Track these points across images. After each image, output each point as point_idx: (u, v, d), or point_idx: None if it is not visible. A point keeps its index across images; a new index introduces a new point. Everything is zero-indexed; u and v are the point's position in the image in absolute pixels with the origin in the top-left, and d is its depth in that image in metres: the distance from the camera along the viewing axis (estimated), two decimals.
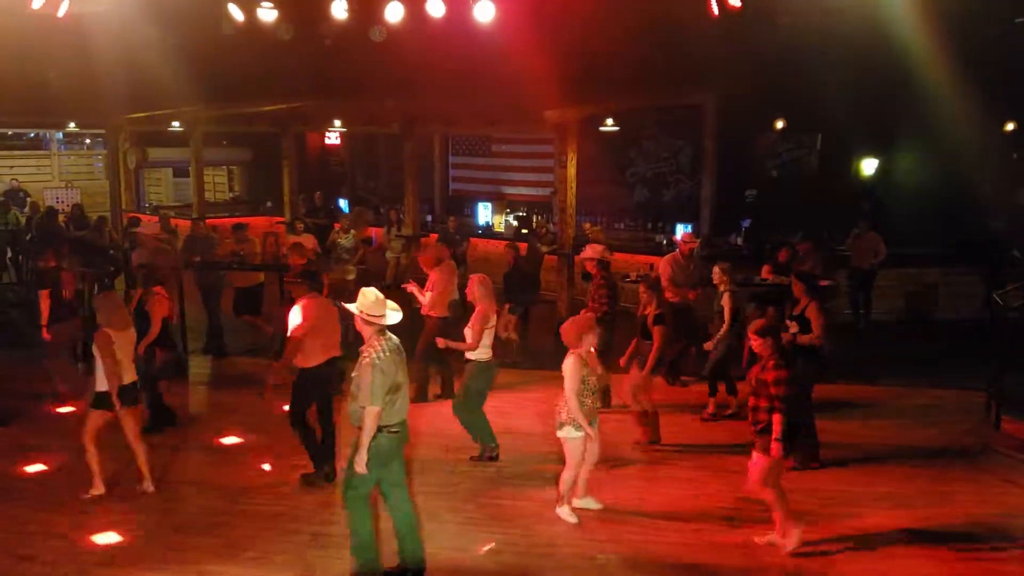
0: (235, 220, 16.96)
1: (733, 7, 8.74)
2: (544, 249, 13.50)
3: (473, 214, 19.10)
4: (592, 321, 7.09)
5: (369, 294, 5.86)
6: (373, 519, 5.96)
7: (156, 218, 15.71)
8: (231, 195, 24.95)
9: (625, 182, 17.46)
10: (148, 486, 7.38)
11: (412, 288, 9.43)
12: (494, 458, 8.11)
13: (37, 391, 9.77)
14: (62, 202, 21.93)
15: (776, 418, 6.08)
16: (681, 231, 14.79)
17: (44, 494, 7.36)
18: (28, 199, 20.64)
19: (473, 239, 16.69)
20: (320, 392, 7.65)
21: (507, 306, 11.47)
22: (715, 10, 8.77)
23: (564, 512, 6.95)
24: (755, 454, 6.31)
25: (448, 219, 16.38)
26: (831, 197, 14.19)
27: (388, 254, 16.28)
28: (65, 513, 7.04)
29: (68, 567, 6.22)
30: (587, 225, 13.33)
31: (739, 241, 14.93)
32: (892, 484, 7.66)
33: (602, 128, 15.80)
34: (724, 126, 15.50)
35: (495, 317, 8.05)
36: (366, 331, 5.83)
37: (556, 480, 7.09)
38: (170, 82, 12.34)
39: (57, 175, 24.69)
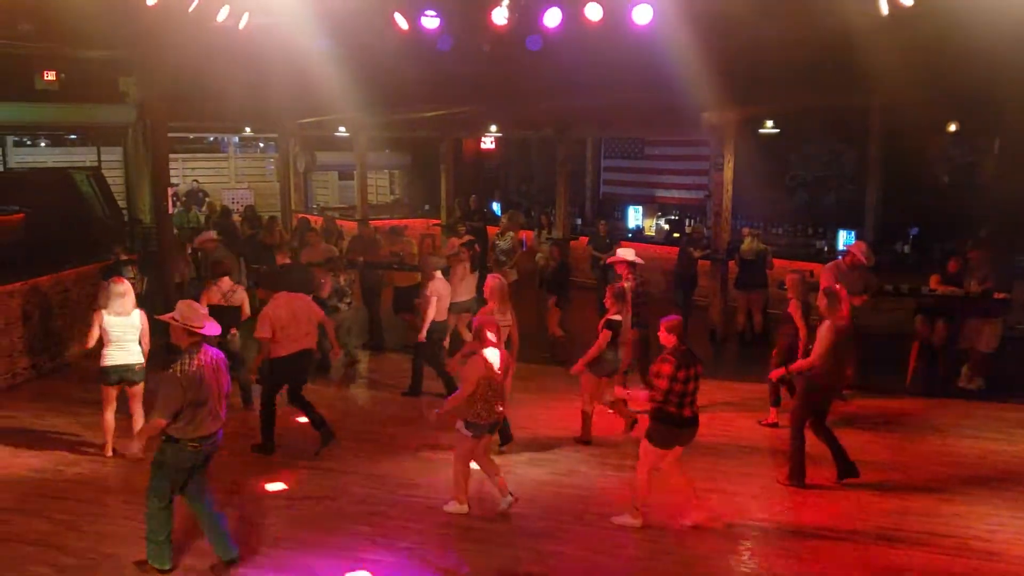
0: (395, 222, 17.59)
1: (903, 5, 8.32)
2: (696, 254, 13.32)
3: (623, 218, 19.02)
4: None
5: (188, 304, 5.92)
6: (170, 527, 6.06)
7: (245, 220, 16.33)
8: (392, 198, 25.83)
9: (784, 186, 16.97)
10: (108, 450, 8.20)
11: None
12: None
13: None
14: (236, 202, 23.34)
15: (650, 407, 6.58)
16: (843, 237, 14.29)
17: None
18: (206, 199, 22.16)
19: (624, 243, 16.62)
20: (291, 378, 8.42)
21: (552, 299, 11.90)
22: (884, 8, 8.37)
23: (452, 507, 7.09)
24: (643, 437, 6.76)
25: (598, 223, 16.41)
26: (1010, 204, 13.28)
27: (538, 256, 16.43)
28: (230, 506, 7.48)
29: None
30: (745, 230, 13.03)
31: (905, 249, 14.26)
32: None
33: (761, 130, 15.43)
34: (891, 129, 14.83)
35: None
36: (184, 342, 5.84)
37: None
38: (337, 89, 12.92)
39: (233, 177, 26.30)
